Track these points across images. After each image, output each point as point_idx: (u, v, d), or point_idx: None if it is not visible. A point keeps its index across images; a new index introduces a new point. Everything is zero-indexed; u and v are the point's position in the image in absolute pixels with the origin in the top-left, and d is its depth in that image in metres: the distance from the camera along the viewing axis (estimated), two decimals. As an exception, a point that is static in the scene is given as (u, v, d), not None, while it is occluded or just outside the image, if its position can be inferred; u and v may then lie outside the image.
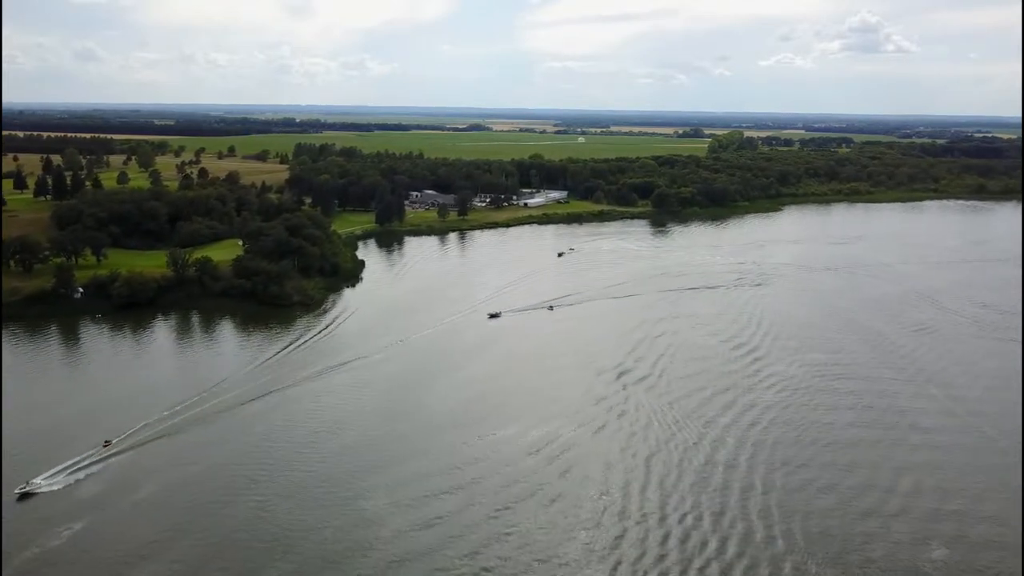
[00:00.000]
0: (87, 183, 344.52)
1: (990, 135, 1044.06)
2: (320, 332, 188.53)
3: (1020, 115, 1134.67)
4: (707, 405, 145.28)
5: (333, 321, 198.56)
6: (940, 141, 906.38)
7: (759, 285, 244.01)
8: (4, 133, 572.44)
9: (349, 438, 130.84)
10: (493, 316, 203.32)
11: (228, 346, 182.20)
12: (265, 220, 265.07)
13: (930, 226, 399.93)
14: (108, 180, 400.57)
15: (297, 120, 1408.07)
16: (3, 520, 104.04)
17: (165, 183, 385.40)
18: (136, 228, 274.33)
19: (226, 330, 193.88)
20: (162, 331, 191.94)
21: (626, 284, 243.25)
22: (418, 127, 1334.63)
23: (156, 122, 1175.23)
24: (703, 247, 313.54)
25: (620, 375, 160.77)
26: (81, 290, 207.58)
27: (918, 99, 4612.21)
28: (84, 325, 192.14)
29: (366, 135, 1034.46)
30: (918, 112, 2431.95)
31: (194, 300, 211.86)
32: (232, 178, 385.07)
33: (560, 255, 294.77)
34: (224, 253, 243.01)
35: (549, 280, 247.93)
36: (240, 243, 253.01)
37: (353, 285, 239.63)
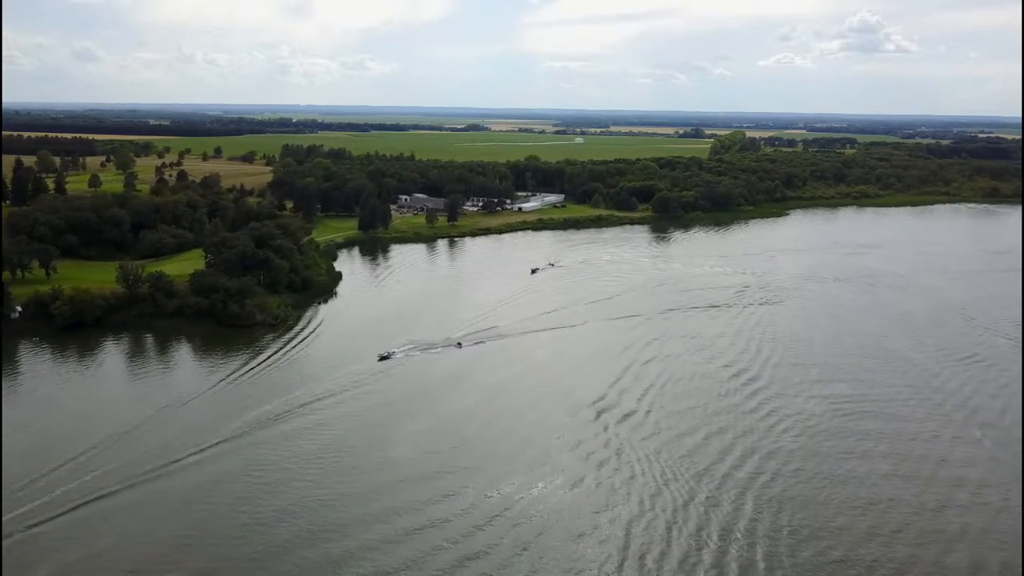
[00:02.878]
0: (51, 187, 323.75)
1: (994, 135, 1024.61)
2: (262, 364, 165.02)
3: (1020, 115, 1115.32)
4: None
5: (253, 362, 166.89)
6: (945, 141, 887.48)
7: (776, 303, 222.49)
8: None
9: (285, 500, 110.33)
10: (384, 358, 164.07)
11: (151, 380, 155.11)
12: (232, 229, 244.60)
13: (945, 232, 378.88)
14: (80, 183, 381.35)
15: (293, 120, 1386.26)
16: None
17: (139, 187, 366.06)
18: (96, 237, 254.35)
19: (168, 356, 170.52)
20: (97, 358, 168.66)
21: (600, 310, 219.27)
22: (416, 127, 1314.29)
23: (151, 122, 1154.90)
24: (705, 256, 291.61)
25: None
26: (19, 309, 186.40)
27: (918, 99, 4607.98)
28: (17, 351, 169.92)
29: (362, 135, 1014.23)
30: (918, 112, 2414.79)
31: (147, 320, 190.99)
32: (209, 182, 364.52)
33: (534, 271, 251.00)
34: (188, 265, 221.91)
35: (488, 312, 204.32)
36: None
37: (326, 301, 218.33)
